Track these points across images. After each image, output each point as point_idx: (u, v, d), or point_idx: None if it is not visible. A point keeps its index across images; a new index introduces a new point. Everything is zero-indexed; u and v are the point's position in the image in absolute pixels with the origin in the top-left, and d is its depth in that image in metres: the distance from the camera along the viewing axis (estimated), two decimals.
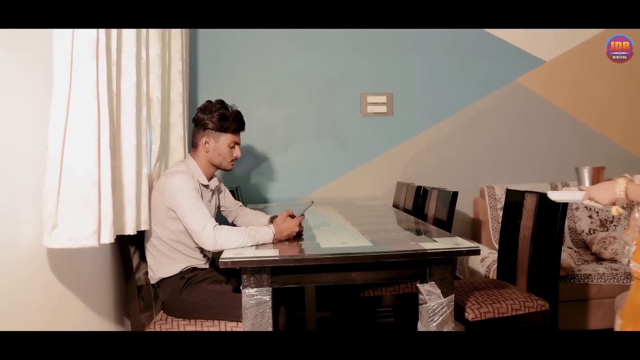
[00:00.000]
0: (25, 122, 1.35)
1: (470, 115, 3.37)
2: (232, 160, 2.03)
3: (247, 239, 1.72)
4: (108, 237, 1.45)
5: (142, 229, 1.77)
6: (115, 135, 1.57)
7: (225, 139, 1.98)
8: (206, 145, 1.98)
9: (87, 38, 1.38)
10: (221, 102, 2.00)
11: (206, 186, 2.01)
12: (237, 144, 2.03)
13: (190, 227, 1.80)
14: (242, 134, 2.08)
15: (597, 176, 1.46)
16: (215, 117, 1.95)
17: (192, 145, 2.03)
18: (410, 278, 1.80)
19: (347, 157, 3.26)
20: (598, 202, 1.38)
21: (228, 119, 1.96)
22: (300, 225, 1.86)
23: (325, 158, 3.25)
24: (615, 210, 1.40)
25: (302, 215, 1.87)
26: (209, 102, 2.00)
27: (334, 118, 3.25)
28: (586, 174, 1.47)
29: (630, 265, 1.35)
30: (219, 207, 2.22)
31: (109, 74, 1.50)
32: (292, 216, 1.87)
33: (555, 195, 1.57)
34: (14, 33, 1.28)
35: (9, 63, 1.28)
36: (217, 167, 2.03)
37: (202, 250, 2.02)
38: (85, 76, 1.39)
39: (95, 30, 1.40)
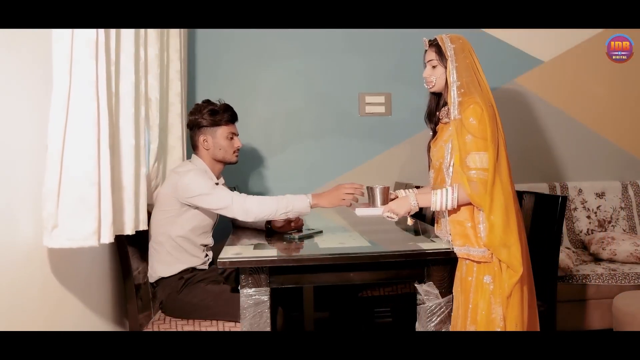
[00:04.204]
0: (24, 121, 1.35)
1: None
2: (234, 152, 2.06)
3: (279, 206, 1.76)
4: (108, 237, 1.45)
5: (141, 229, 1.76)
6: (114, 135, 1.57)
7: (222, 131, 2.01)
8: (205, 143, 2.00)
9: (86, 38, 1.38)
10: (207, 100, 2.06)
11: (215, 184, 2.03)
12: (235, 134, 2.06)
13: (218, 206, 1.83)
14: (240, 133, 2.10)
15: (386, 193, 1.75)
16: (206, 114, 1.99)
17: (193, 148, 2.06)
18: (408, 278, 1.80)
19: (346, 157, 3.26)
20: (397, 213, 1.66)
21: (218, 112, 2.01)
22: (354, 189, 1.82)
23: (324, 158, 3.25)
24: (410, 220, 1.79)
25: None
26: (197, 104, 2.07)
27: (332, 118, 3.25)
28: (378, 193, 1.74)
29: (454, 249, 1.63)
30: None
31: (108, 74, 1.50)
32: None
33: (360, 212, 1.75)
34: (14, 33, 1.28)
35: (8, 63, 1.28)
36: (222, 162, 2.06)
37: (204, 250, 2.03)
38: (85, 76, 1.39)
39: (94, 30, 1.40)
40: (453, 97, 1.63)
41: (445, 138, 1.70)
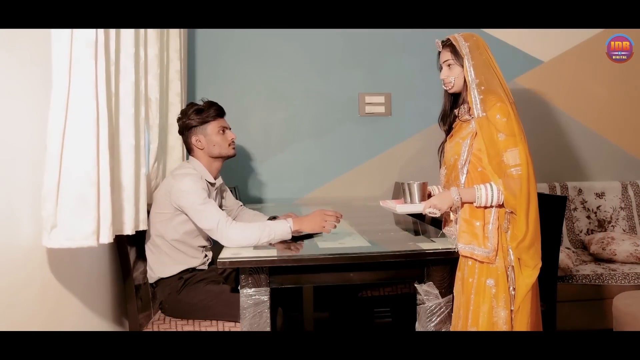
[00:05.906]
0: (24, 121, 1.35)
1: None
2: (229, 144, 2.05)
3: (262, 234, 1.73)
4: (107, 237, 1.45)
5: (141, 229, 1.76)
6: (113, 135, 1.57)
7: (212, 127, 2.01)
8: (198, 142, 2.00)
9: (85, 38, 1.38)
10: (191, 102, 2.08)
11: (212, 184, 2.03)
12: (226, 127, 2.06)
13: (204, 226, 1.80)
14: (240, 133, 2.10)
15: (424, 189, 1.72)
16: (192, 114, 2.00)
17: (188, 152, 2.06)
18: (408, 278, 1.80)
19: (345, 158, 3.26)
20: (439, 208, 1.61)
21: (204, 110, 2.01)
22: (335, 219, 1.81)
23: (323, 158, 3.25)
24: (452, 215, 1.70)
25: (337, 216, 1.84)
26: (182, 109, 2.09)
27: (332, 118, 3.25)
28: (416, 189, 1.71)
29: (459, 246, 1.61)
30: (221, 206, 2.22)
31: (108, 74, 1.50)
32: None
33: (401, 209, 1.71)
34: (13, 33, 1.28)
35: (7, 63, 1.27)
36: (220, 157, 2.05)
37: (203, 251, 2.03)
38: (84, 76, 1.39)
39: (94, 30, 1.40)
40: (474, 95, 1.59)
41: (463, 135, 1.66)
